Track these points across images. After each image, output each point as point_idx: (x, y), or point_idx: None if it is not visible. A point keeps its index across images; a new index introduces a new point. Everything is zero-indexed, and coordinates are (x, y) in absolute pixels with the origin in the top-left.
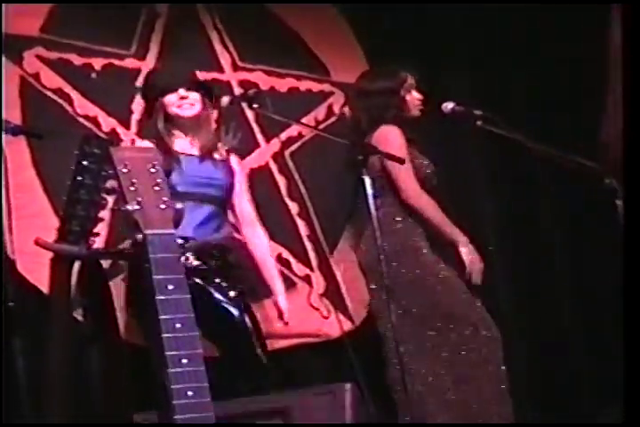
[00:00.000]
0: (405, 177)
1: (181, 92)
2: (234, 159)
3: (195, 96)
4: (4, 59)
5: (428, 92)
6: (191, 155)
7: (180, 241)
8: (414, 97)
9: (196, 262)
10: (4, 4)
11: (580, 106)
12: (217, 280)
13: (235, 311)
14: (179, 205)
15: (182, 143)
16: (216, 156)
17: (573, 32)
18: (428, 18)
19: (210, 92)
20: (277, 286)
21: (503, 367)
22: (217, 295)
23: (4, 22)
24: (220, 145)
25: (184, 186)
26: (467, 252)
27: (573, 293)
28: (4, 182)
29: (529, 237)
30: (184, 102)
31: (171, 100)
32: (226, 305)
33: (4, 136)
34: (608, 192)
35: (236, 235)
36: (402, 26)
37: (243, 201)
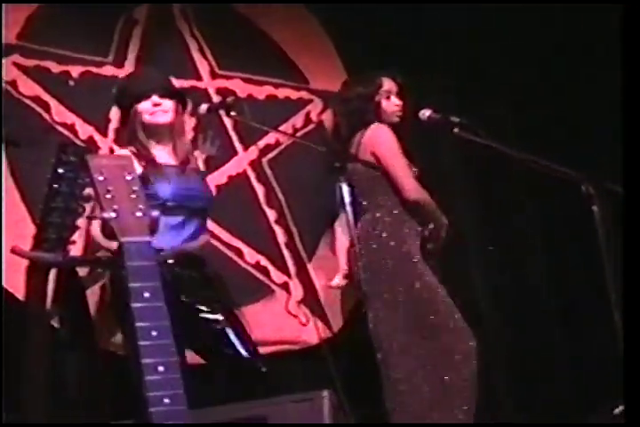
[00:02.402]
0: (404, 175)
1: (155, 98)
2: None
3: (168, 103)
4: None
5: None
6: (173, 165)
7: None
8: (391, 103)
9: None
10: None
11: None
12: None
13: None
14: (155, 213)
15: (160, 153)
16: (192, 165)
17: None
18: (407, 24)
19: (183, 99)
20: None
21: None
22: (202, 310)
23: None
24: (196, 153)
25: (174, 199)
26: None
27: (552, 297)
28: None
29: (510, 241)
30: (157, 109)
31: (144, 107)
32: (209, 317)
33: None
34: (585, 199)
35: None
36: (381, 33)
37: None
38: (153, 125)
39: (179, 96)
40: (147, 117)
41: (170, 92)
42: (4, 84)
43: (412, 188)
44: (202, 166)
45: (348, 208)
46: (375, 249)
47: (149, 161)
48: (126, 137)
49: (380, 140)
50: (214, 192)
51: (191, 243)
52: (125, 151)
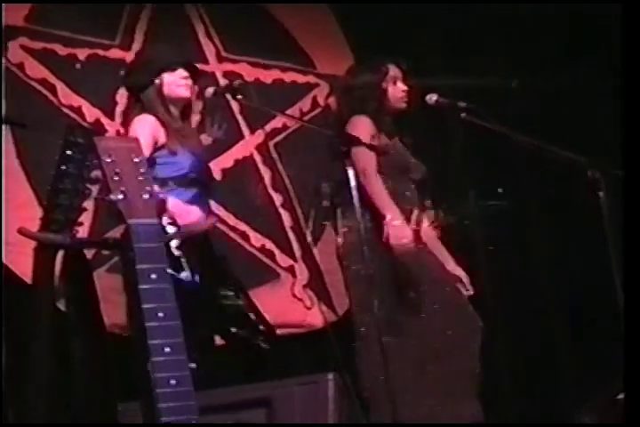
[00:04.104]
0: (362, 159)
1: (181, 72)
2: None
3: (189, 80)
4: None
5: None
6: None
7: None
8: (398, 88)
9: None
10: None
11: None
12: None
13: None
14: (162, 195)
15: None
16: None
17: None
18: (415, 11)
19: (199, 80)
20: None
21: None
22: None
23: None
24: (202, 136)
25: (195, 171)
26: (395, 225)
27: (557, 283)
28: None
29: (515, 227)
30: (183, 83)
31: (170, 78)
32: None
33: None
34: (591, 183)
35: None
36: (388, 18)
37: None
38: (173, 98)
39: (197, 75)
40: (172, 89)
41: (193, 69)
42: (4, 65)
43: (363, 175)
44: None
45: (354, 192)
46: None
47: (175, 131)
48: (144, 106)
49: (353, 131)
50: (220, 176)
51: (198, 224)
52: (150, 117)
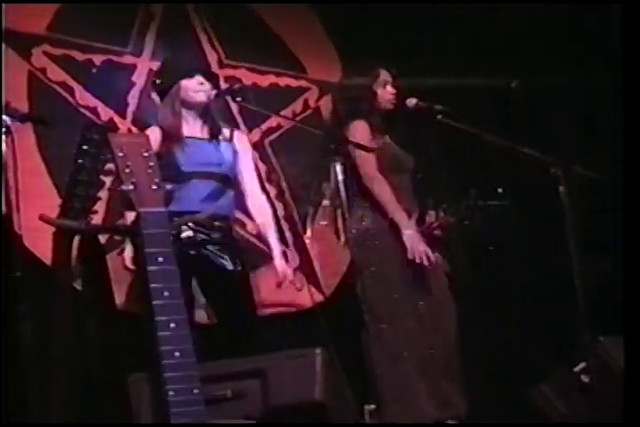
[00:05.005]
0: (365, 163)
1: (199, 78)
2: (237, 136)
3: (207, 85)
4: (13, 53)
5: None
6: (199, 138)
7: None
8: (387, 91)
9: (201, 236)
10: (12, 4)
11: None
12: (219, 250)
13: (235, 278)
14: (169, 186)
15: (192, 127)
16: (221, 137)
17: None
18: (398, 19)
19: (217, 83)
20: (275, 251)
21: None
22: (220, 263)
23: (13, 21)
24: (224, 129)
25: (189, 166)
26: (409, 235)
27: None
28: (11, 166)
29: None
30: (201, 89)
31: (188, 84)
32: (227, 271)
33: (12, 124)
34: (553, 179)
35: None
36: (373, 27)
37: (246, 175)
38: (191, 103)
39: (215, 80)
40: (190, 94)
41: (210, 76)
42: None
43: (367, 177)
44: (236, 140)
45: (341, 186)
46: (364, 224)
47: (176, 133)
48: (165, 109)
49: (352, 134)
50: None
51: (218, 209)
52: (155, 128)
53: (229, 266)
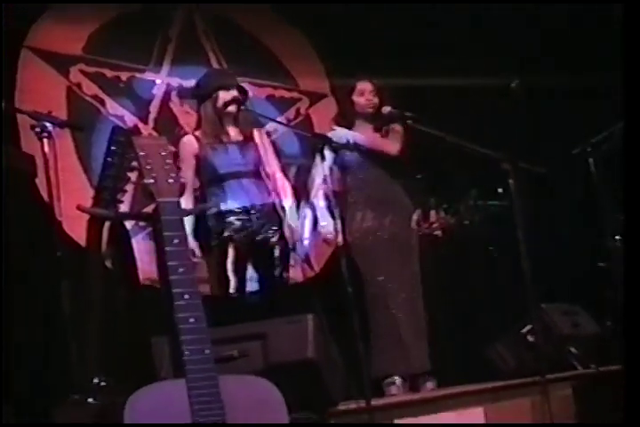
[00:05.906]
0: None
1: (234, 92)
2: (257, 135)
3: (239, 98)
4: (54, 71)
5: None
6: (235, 142)
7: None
8: (365, 99)
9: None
10: (52, 28)
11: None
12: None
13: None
14: (182, 180)
15: (230, 132)
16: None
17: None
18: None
19: (246, 95)
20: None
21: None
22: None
23: (54, 44)
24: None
25: (224, 168)
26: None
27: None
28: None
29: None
30: (234, 102)
31: (225, 96)
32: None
33: (53, 129)
34: (504, 174)
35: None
36: (357, 44)
37: (272, 164)
38: (226, 113)
39: (245, 93)
40: (224, 104)
41: (241, 89)
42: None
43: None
44: (257, 138)
45: (327, 162)
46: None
47: (217, 139)
48: (203, 118)
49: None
50: None
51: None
52: (190, 138)
53: (274, 239)
